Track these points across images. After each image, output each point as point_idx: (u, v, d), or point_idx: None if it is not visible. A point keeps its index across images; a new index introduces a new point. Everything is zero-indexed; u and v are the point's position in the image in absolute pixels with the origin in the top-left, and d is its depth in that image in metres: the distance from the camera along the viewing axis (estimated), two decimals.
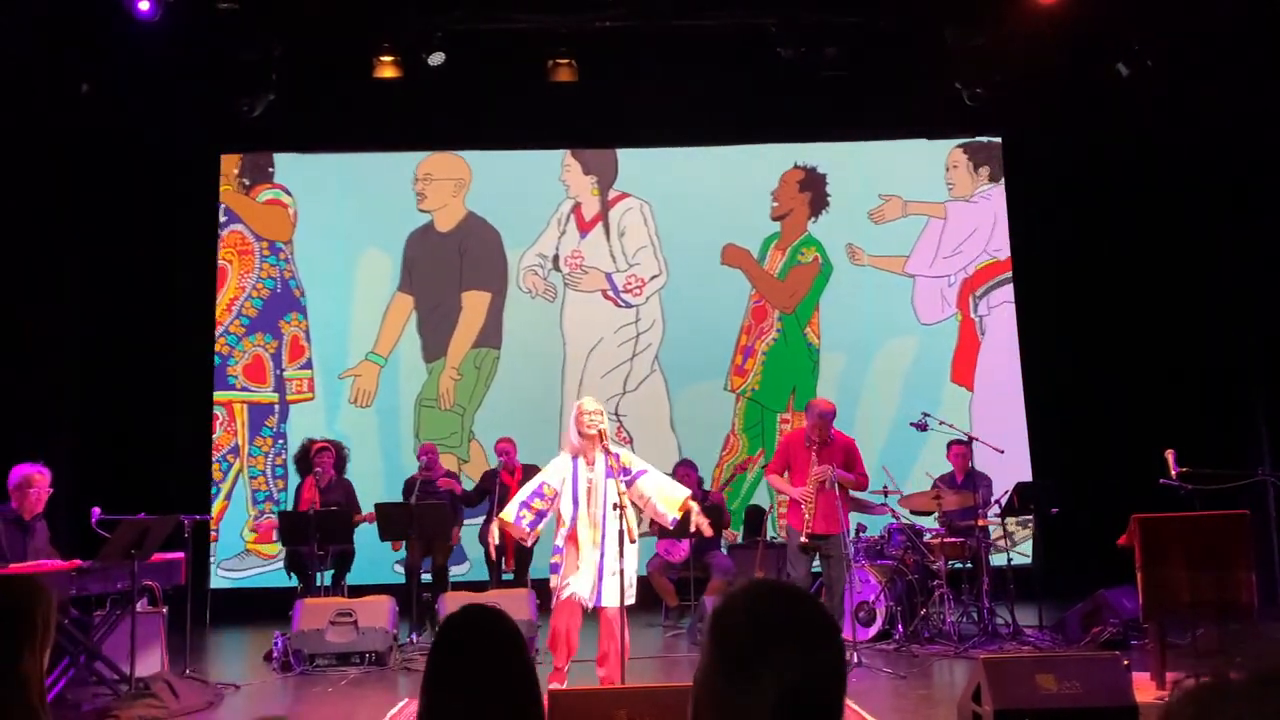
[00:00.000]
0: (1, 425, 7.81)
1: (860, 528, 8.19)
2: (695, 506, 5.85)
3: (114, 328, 9.38)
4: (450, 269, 10.40)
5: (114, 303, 9.40)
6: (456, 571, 8.83)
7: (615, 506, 5.38)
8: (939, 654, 6.95)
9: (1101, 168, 9.80)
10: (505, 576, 8.39)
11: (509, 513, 5.79)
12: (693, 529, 5.88)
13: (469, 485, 8.96)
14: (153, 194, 9.78)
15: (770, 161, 10.56)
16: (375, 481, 9.38)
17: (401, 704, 5.83)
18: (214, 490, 9.94)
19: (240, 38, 8.73)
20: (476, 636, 2.00)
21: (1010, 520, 7.80)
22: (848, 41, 9.05)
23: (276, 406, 10.16)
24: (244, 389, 10.15)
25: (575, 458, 5.76)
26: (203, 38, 8.63)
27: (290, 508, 8.85)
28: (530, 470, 7.27)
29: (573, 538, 5.68)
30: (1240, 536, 5.65)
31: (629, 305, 10.39)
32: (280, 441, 10.09)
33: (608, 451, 5.62)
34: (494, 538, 5.96)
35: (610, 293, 10.41)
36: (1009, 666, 4.66)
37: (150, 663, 6.25)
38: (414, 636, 7.62)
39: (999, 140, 10.57)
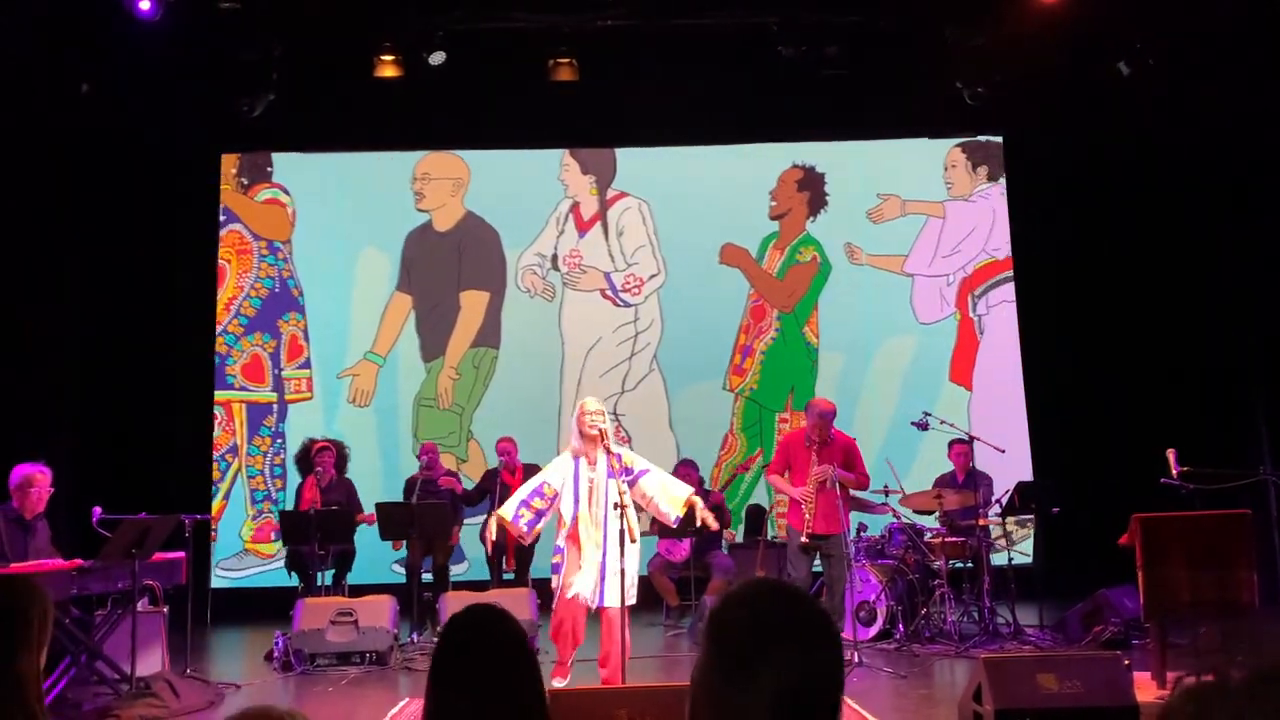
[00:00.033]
0: (2, 425, 7.81)
1: (861, 527, 8.20)
2: (699, 501, 5.86)
3: (114, 328, 9.38)
4: (449, 268, 10.40)
5: (114, 303, 9.40)
6: (456, 571, 8.83)
7: (616, 506, 5.39)
8: (940, 653, 6.95)
9: (1102, 167, 9.80)
10: (506, 576, 8.40)
11: (507, 510, 5.80)
12: (699, 523, 5.88)
13: (468, 485, 8.96)
14: (153, 194, 9.78)
15: (768, 161, 10.56)
16: (373, 481, 9.38)
17: (402, 703, 5.83)
18: (212, 490, 9.94)
19: (241, 37, 8.73)
20: (481, 637, 2.00)
21: (1008, 520, 7.79)
22: (848, 40, 9.04)
23: (275, 406, 10.16)
24: (242, 388, 10.15)
25: (577, 458, 5.76)
26: (203, 37, 8.63)
27: (290, 507, 8.86)
28: (531, 470, 7.27)
29: (574, 537, 5.69)
30: (1241, 536, 5.65)
31: (627, 304, 10.39)
32: (279, 441, 10.09)
33: (609, 451, 5.62)
34: (491, 533, 5.96)
35: (609, 292, 10.41)
36: (1010, 666, 4.66)
37: (151, 662, 6.25)
38: (415, 636, 7.63)
39: (1000, 140, 10.57)
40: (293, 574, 8.28)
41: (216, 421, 10.06)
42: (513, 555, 8.34)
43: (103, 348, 9.30)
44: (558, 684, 5.77)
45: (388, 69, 9.06)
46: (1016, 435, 9.74)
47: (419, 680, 6.46)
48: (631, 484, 5.69)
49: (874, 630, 7.39)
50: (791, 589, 1.42)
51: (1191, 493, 6.15)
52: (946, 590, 7.42)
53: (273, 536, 9.74)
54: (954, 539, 7.57)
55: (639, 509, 5.80)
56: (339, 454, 8.57)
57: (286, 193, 10.45)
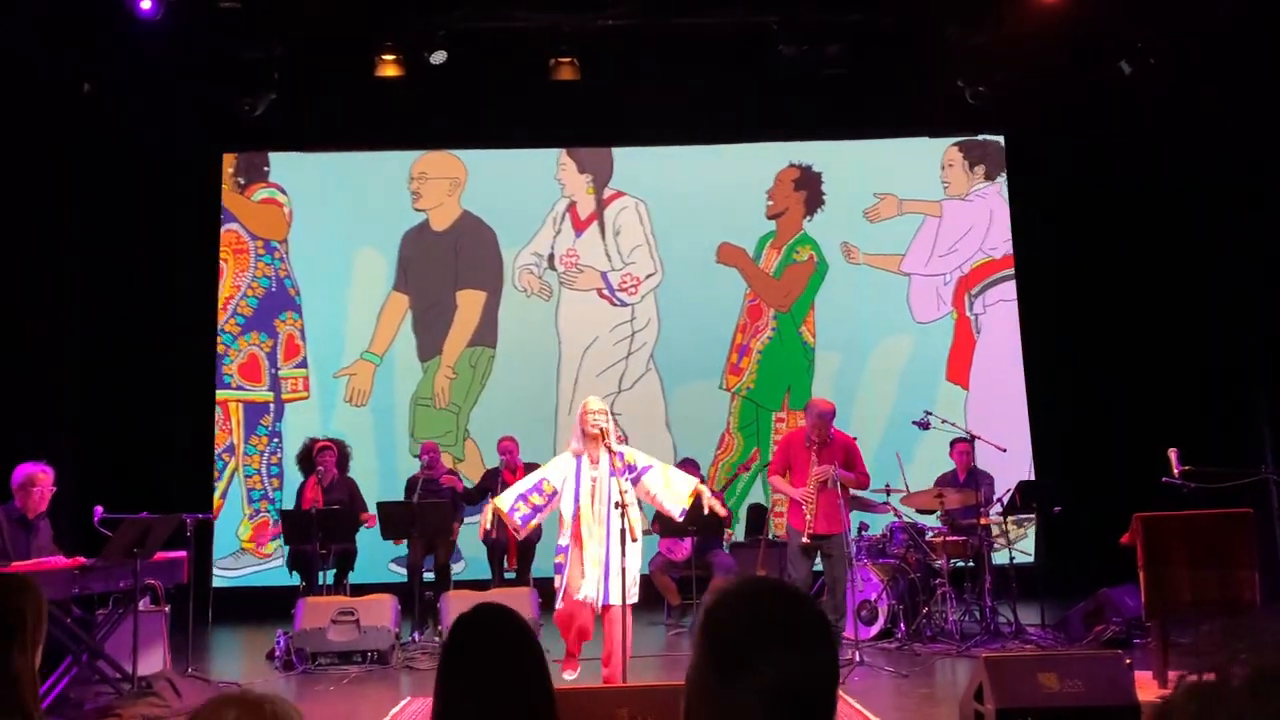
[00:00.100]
0: (2, 425, 7.81)
1: (863, 526, 8.20)
2: (706, 490, 5.87)
3: (114, 328, 9.38)
4: (445, 268, 10.40)
5: (114, 303, 9.40)
6: (454, 570, 8.83)
7: (617, 505, 5.39)
8: (941, 653, 6.95)
9: (1102, 167, 9.80)
10: (508, 575, 8.40)
11: (504, 501, 5.79)
12: (706, 512, 5.89)
13: (468, 484, 8.96)
14: (153, 194, 9.78)
15: (765, 160, 10.56)
16: (371, 480, 9.36)
17: (404, 702, 5.83)
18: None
19: (242, 37, 8.73)
20: (489, 635, 2.00)
21: (1007, 519, 7.79)
22: (849, 40, 9.04)
23: (272, 405, 10.17)
24: (239, 388, 10.16)
25: (579, 456, 5.77)
26: (204, 37, 8.63)
27: (288, 507, 8.86)
28: (531, 469, 7.26)
29: (577, 537, 5.69)
30: (1243, 535, 5.65)
31: (624, 304, 10.39)
32: (275, 440, 10.10)
33: (610, 450, 5.62)
34: (486, 522, 5.92)
35: (605, 291, 10.41)
36: (1011, 665, 4.66)
37: (152, 661, 6.26)
38: (416, 635, 7.63)
39: (1000, 139, 10.56)
40: (294, 573, 8.28)
41: (215, 421, 10.06)
42: (514, 554, 8.34)
43: (103, 348, 9.29)
44: (568, 677, 5.79)
45: (389, 68, 9.06)
46: (1015, 434, 9.73)
47: (420, 679, 6.46)
48: (635, 481, 5.70)
49: (875, 629, 7.39)
50: (786, 587, 1.41)
51: (1193, 492, 6.15)
52: (948, 589, 7.42)
53: (270, 536, 9.74)
54: (955, 538, 7.57)
55: (643, 504, 5.80)
56: (341, 453, 8.57)
57: (283, 192, 10.45)
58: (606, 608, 5.60)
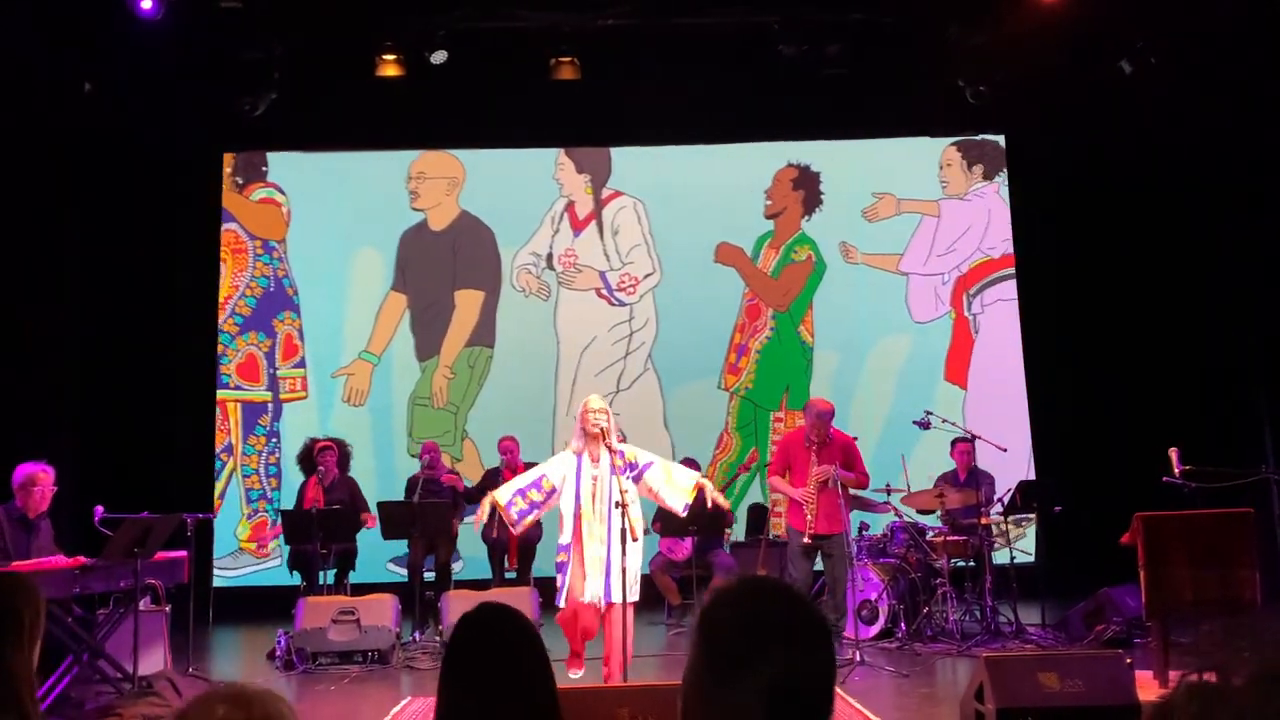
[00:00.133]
0: (2, 425, 7.81)
1: (863, 526, 8.21)
2: (709, 484, 5.87)
3: (114, 328, 9.38)
4: (444, 267, 10.40)
5: (114, 303, 9.40)
6: (453, 569, 8.83)
7: (618, 505, 5.39)
8: (942, 652, 6.95)
9: (1103, 167, 9.80)
10: (508, 575, 8.40)
11: (502, 495, 5.78)
12: (709, 504, 5.88)
13: (468, 485, 8.96)
14: (153, 194, 9.78)
15: (764, 159, 10.56)
16: (369, 480, 9.34)
17: (404, 702, 5.83)
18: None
19: (242, 37, 8.72)
20: (492, 635, 1.99)
21: (1007, 518, 7.79)
22: (850, 39, 9.04)
23: (270, 405, 10.17)
24: (237, 388, 10.16)
25: (579, 455, 5.77)
26: (205, 37, 8.63)
27: (286, 506, 8.86)
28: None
29: (578, 536, 5.69)
30: (1244, 534, 5.65)
31: (622, 304, 10.39)
32: (273, 440, 10.09)
33: (611, 450, 5.62)
34: (483, 514, 5.90)
35: (604, 291, 10.41)
36: (1012, 665, 4.66)
37: (153, 661, 6.26)
38: (417, 635, 7.63)
39: (1001, 138, 10.56)
40: (294, 573, 8.28)
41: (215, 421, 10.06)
42: (515, 554, 8.34)
43: (103, 348, 9.29)
44: (574, 676, 5.79)
45: (389, 68, 9.06)
46: (1014, 434, 9.72)
47: (421, 679, 6.46)
48: (637, 479, 5.70)
49: (876, 629, 7.39)
50: (782, 587, 1.41)
51: (1193, 491, 6.15)
52: (948, 589, 7.42)
53: (271, 536, 9.73)
54: (956, 538, 7.57)
55: (644, 502, 5.80)
56: (342, 452, 8.57)
57: (281, 192, 10.45)
58: (609, 606, 5.60)
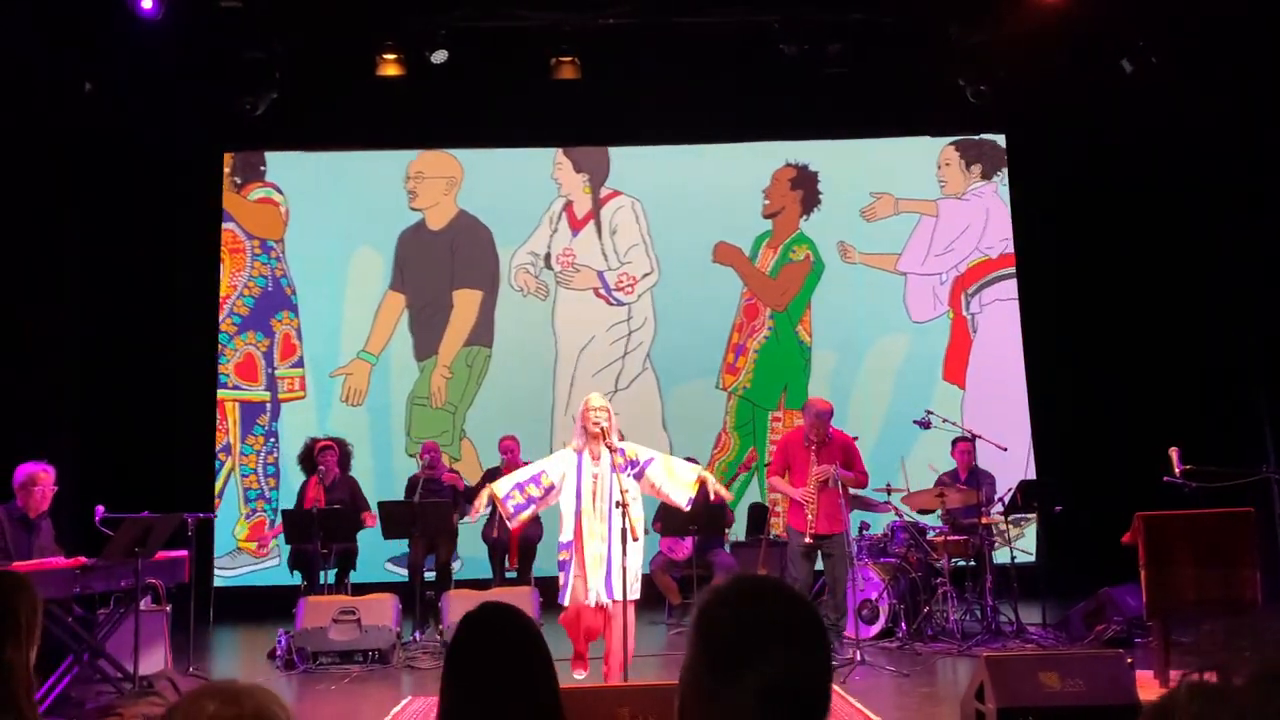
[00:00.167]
0: (2, 425, 7.81)
1: (864, 525, 8.20)
2: (710, 477, 5.86)
3: (114, 328, 9.38)
4: (442, 267, 10.40)
5: (114, 303, 9.40)
6: (453, 569, 8.83)
7: (618, 505, 5.39)
8: (942, 652, 6.95)
9: (1102, 167, 9.80)
10: (509, 575, 8.40)
11: (500, 488, 5.78)
12: (712, 498, 5.88)
13: (468, 484, 8.96)
14: (153, 194, 9.78)
15: (762, 159, 10.56)
16: (367, 479, 9.32)
17: (405, 702, 5.83)
18: None
19: (243, 36, 8.72)
20: (494, 635, 1.98)
21: (1007, 518, 7.79)
22: (850, 39, 9.04)
23: (268, 405, 10.16)
24: (235, 387, 10.16)
25: (580, 454, 5.76)
26: (205, 36, 8.63)
27: (285, 506, 8.86)
28: None
29: (578, 535, 5.69)
30: (1245, 534, 5.65)
31: (621, 303, 10.39)
32: (272, 440, 10.09)
33: (611, 448, 5.62)
34: (480, 503, 5.90)
35: (602, 291, 10.41)
36: (1012, 664, 4.66)
37: (154, 661, 6.27)
38: (417, 635, 7.63)
39: (1001, 138, 10.56)
40: (295, 573, 8.29)
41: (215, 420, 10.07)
42: (515, 554, 8.34)
43: (103, 348, 9.29)
44: (579, 676, 5.79)
45: (390, 68, 9.05)
46: (1012, 433, 9.70)
47: (421, 679, 6.46)
48: (639, 476, 5.69)
49: (876, 629, 7.39)
50: (779, 585, 1.41)
51: (1194, 491, 6.15)
52: (949, 589, 7.42)
53: (272, 536, 9.73)
54: (956, 537, 7.57)
55: (646, 499, 5.80)
56: (342, 452, 8.57)
57: (279, 191, 10.45)
58: (609, 604, 5.60)
